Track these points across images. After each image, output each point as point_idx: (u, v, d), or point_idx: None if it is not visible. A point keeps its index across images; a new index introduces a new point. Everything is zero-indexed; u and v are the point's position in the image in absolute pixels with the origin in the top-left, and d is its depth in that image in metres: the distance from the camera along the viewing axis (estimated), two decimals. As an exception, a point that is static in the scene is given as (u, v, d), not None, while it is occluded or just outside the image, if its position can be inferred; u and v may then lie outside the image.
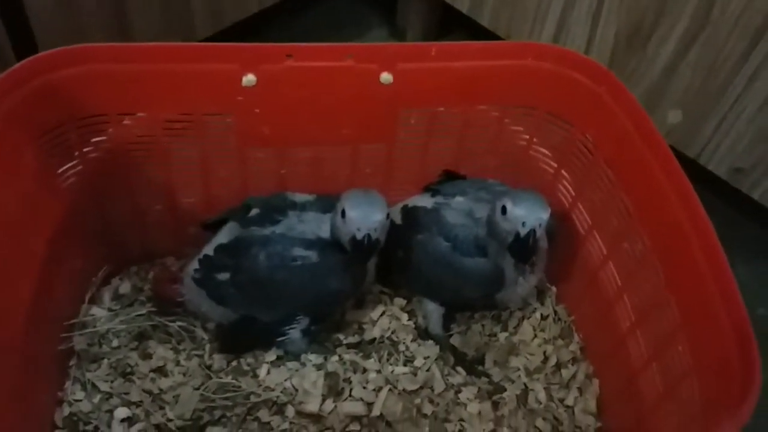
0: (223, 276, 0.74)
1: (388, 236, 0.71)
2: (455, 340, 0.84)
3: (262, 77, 0.72)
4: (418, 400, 0.77)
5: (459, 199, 0.79)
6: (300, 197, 0.78)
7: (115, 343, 0.79)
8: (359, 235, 0.67)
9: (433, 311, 0.82)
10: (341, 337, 0.82)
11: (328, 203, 0.73)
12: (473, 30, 1.17)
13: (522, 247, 0.69)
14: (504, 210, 0.69)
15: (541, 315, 0.86)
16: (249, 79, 0.71)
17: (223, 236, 0.77)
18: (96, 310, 0.81)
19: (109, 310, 0.82)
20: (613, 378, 0.78)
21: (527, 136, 0.84)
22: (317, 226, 0.73)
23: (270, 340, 0.78)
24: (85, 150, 0.74)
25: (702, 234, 0.62)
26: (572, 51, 0.76)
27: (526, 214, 0.68)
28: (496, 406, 0.78)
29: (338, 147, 0.80)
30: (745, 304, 0.57)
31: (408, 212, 0.82)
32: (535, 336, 0.85)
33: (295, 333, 0.76)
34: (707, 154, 0.96)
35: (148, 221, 0.83)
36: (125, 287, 0.85)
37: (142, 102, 0.72)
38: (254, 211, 0.77)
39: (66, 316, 0.78)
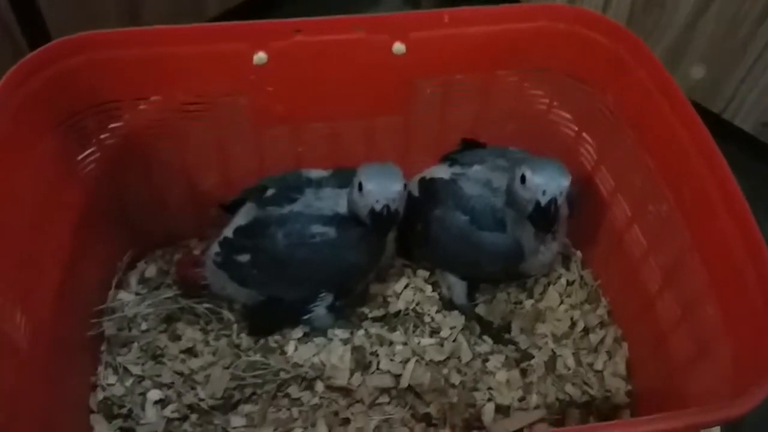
0: (244, 257, 0.74)
1: (406, 209, 0.71)
2: (480, 310, 0.84)
3: (272, 54, 0.71)
4: (445, 371, 0.77)
5: (477, 167, 0.78)
6: (315, 173, 0.77)
7: (143, 326, 0.80)
8: (378, 207, 0.66)
9: (456, 283, 0.82)
10: (366, 311, 0.82)
11: (344, 178, 0.73)
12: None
13: (543, 217, 0.67)
14: (523, 179, 0.67)
15: (567, 281, 0.86)
16: (260, 57, 0.71)
17: (242, 218, 0.77)
18: (123, 295, 0.82)
19: (136, 294, 0.83)
20: (642, 341, 0.77)
21: (547, 100, 0.82)
22: (335, 202, 0.73)
23: (296, 318, 0.78)
24: (102, 136, 0.74)
25: (727, 192, 0.61)
26: (588, 10, 0.74)
27: (546, 182, 0.66)
28: (524, 373, 0.78)
29: (354, 121, 0.80)
30: (774, 260, 0.56)
31: (425, 184, 0.81)
32: (562, 302, 0.84)
33: (320, 309, 0.76)
34: (732, 109, 0.93)
35: (168, 205, 0.84)
36: (151, 271, 0.86)
37: (155, 86, 0.72)
38: (270, 191, 0.76)
39: (94, 301, 0.79)
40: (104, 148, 0.75)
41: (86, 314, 0.77)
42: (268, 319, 0.79)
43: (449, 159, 0.83)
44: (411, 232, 0.79)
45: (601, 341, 0.80)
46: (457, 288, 0.82)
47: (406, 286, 0.84)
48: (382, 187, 0.66)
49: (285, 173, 0.79)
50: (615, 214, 0.79)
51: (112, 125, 0.74)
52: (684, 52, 0.94)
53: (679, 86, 0.95)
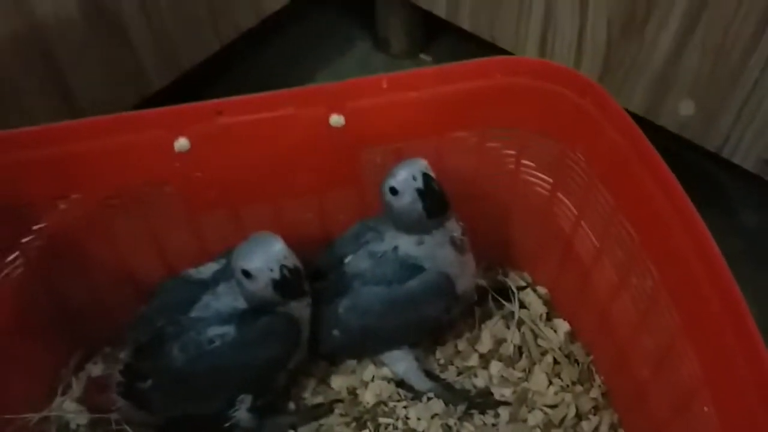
0: (146, 383, 0.66)
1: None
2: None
3: (195, 140, 0.64)
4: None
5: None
6: (206, 270, 0.70)
7: (92, 439, 0.73)
8: (276, 275, 0.60)
9: (405, 367, 0.73)
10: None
11: None
12: (460, 32, 1.07)
13: (431, 194, 0.64)
14: (393, 190, 0.64)
15: (554, 359, 0.76)
16: (181, 144, 0.64)
17: (142, 332, 0.69)
18: (68, 404, 0.75)
19: (78, 401, 0.75)
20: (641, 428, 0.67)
21: (515, 159, 0.73)
22: (233, 297, 0.65)
23: (216, 429, 0.70)
24: (25, 240, 0.68)
25: (716, 273, 0.52)
26: (549, 62, 0.66)
27: (410, 169, 0.63)
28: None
29: (300, 200, 0.72)
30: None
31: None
32: (551, 383, 0.74)
33: (241, 414, 0.68)
34: (731, 146, 0.83)
35: (108, 301, 0.76)
36: (97, 371, 0.78)
37: (72, 183, 0.66)
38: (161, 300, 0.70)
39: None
40: (30, 251, 0.68)
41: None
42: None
43: None
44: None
45: (596, 429, 0.71)
46: (412, 371, 0.73)
47: (373, 378, 0.75)
48: (264, 256, 0.60)
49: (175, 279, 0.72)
50: (600, 282, 0.70)
51: (35, 227, 0.68)
52: (670, 85, 0.84)
53: (670, 123, 0.87)
